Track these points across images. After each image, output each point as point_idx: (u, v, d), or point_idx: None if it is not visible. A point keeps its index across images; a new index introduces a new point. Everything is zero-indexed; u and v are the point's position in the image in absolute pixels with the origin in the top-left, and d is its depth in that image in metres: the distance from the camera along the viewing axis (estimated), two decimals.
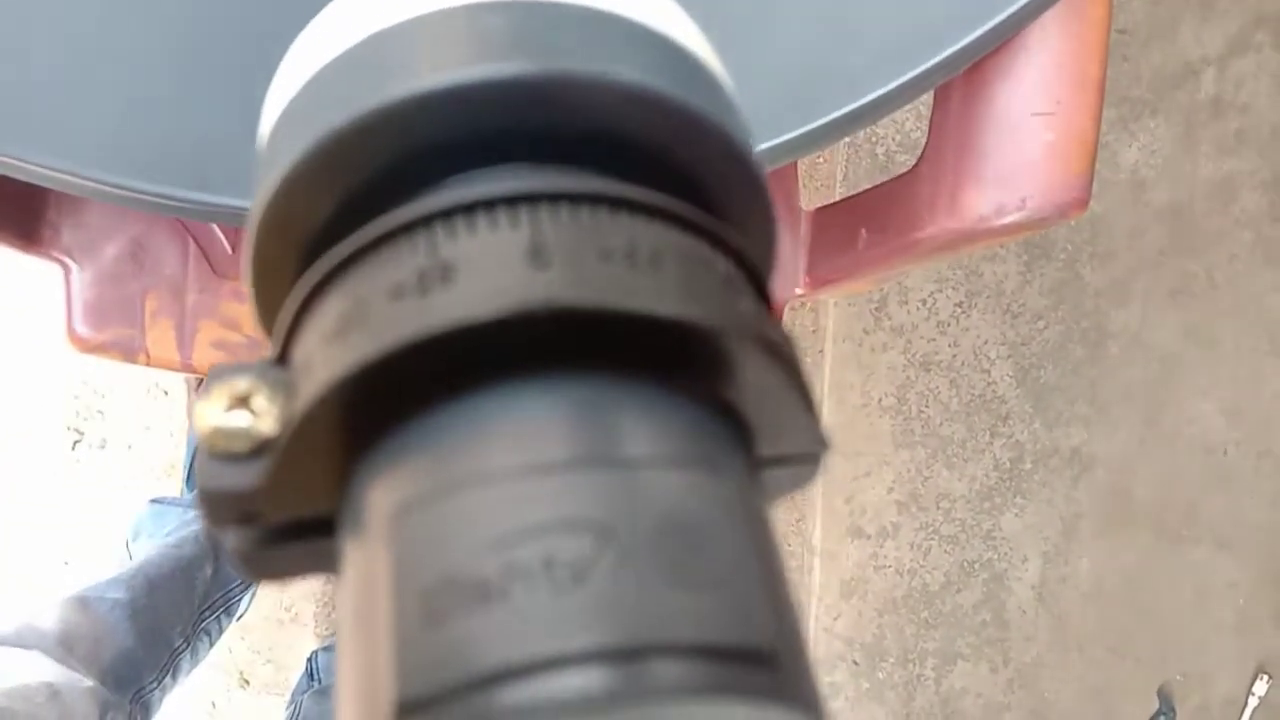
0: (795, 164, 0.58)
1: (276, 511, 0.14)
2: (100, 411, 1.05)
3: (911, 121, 1.10)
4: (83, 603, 0.73)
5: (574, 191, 0.14)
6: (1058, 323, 1.18)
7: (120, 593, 0.75)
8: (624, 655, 0.11)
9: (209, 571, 0.83)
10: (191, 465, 1.01)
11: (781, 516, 1.16)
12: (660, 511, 0.12)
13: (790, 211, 0.58)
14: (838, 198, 0.57)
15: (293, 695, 0.99)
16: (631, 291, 0.13)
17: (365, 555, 0.13)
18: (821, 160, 1.10)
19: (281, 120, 0.16)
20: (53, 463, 1.05)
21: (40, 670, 0.65)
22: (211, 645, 0.84)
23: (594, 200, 0.14)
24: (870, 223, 0.52)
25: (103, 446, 1.06)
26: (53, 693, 0.62)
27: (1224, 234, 1.19)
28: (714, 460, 0.13)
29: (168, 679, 0.76)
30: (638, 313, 0.13)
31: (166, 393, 1.06)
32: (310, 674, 1.00)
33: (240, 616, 0.92)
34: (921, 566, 1.18)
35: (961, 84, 0.43)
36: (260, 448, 0.13)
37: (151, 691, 0.73)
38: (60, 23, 0.38)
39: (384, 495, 0.13)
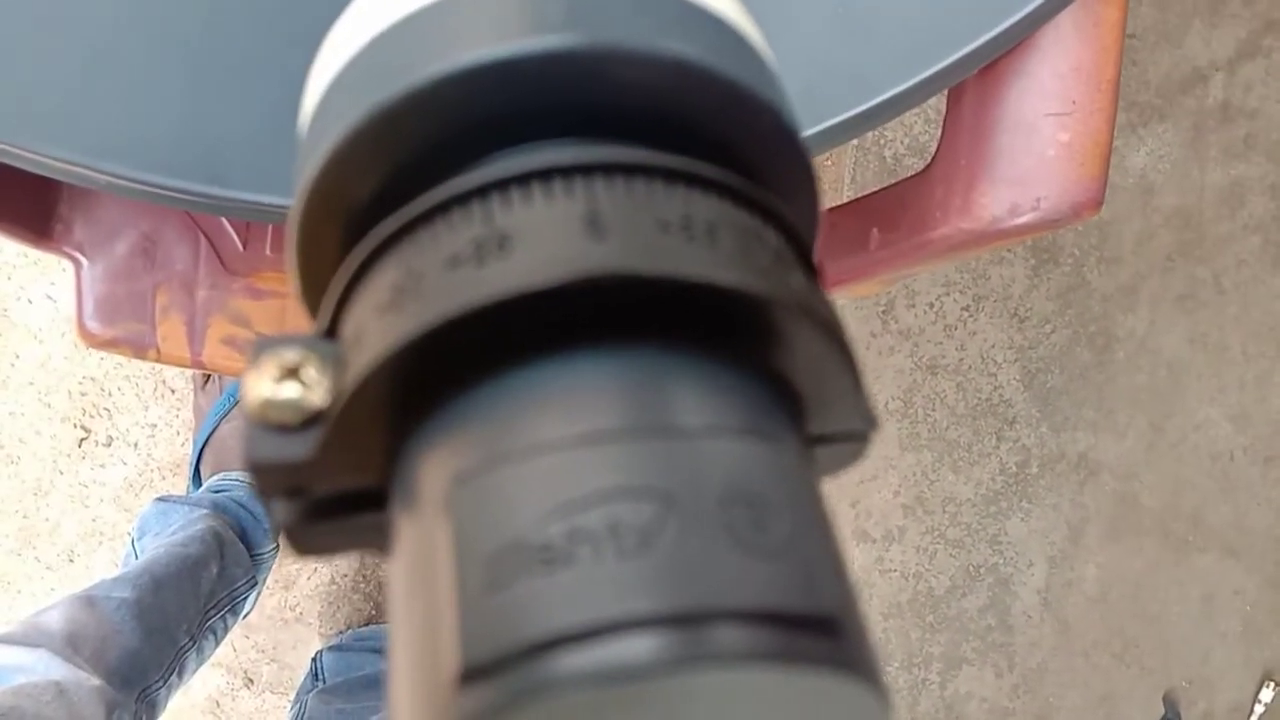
0: None
1: (325, 484, 0.14)
2: (106, 409, 1.06)
3: (920, 124, 1.10)
4: (89, 602, 0.73)
5: (629, 163, 0.14)
6: (1065, 327, 1.18)
7: (126, 591, 0.75)
8: (689, 620, 0.11)
9: (215, 570, 0.83)
10: (198, 464, 1.02)
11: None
12: (722, 480, 0.12)
13: None
14: (845, 199, 0.57)
15: (297, 695, 1.00)
16: (690, 261, 0.13)
17: (423, 525, 0.13)
18: (829, 162, 1.11)
19: (329, 93, 0.16)
20: (59, 460, 1.06)
21: (47, 669, 0.65)
22: (217, 644, 0.84)
23: (649, 172, 0.14)
24: (881, 223, 0.52)
25: (109, 444, 1.06)
26: (59, 691, 0.62)
27: (1232, 239, 1.19)
28: (771, 431, 0.13)
29: (173, 678, 0.76)
30: (697, 281, 0.13)
31: (173, 391, 1.06)
32: (315, 674, 1.00)
33: (245, 615, 0.92)
34: (927, 570, 1.18)
35: (975, 84, 0.43)
36: (310, 419, 0.13)
37: (157, 690, 0.73)
38: (74, 15, 0.38)
39: (441, 465, 0.13)
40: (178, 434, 1.06)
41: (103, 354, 1.06)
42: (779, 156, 0.16)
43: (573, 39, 0.14)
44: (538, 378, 0.13)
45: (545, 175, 0.14)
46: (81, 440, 1.06)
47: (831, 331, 0.14)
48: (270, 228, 0.59)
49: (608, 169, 0.14)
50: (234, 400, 1.01)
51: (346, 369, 0.14)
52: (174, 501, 0.94)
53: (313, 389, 0.13)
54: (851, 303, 1.14)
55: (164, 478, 1.06)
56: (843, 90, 0.39)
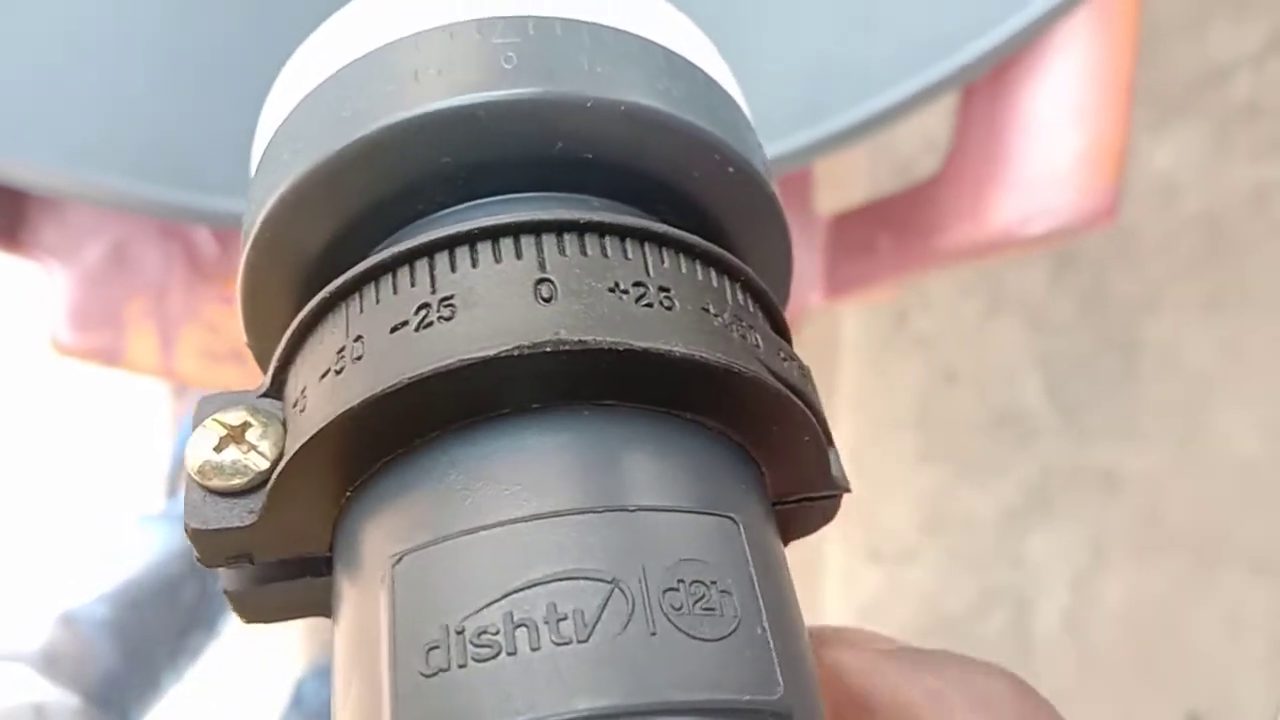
0: (811, 168, 0.58)
1: (269, 550, 0.14)
2: (83, 424, 1.06)
3: (935, 123, 1.10)
4: (67, 620, 0.73)
5: (581, 221, 0.14)
6: (1087, 334, 1.18)
7: (104, 611, 0.75)
8: (631, 716, 0.11)
9: (194, 589, 0.84)
10: (175, 475, 1.02)
11: (797, 543, 1.16)
12: (670, 563, 0.12)
13: (807, 217, 0.58)
14: (858, 201, 0.57)
15: None
16: (641, 328, 0.13)
17: (362, 599, 0.13)
18: (841, 163, 1.10)
19: (276, 138, 0.16)
20: (33, 475, 1.06)
21: (26, 688, 0.65)
22: (195, 663, 0.85)
23: (601, 230, 0.14)
24: (891, 229, 0.52)
25: (85, 460, 1.06)
26: (38, 712, 0.63)
27: (1260, 242, 1.19)
28: (727, 505, 0.13)
29: (151, 698, 0.77)
30: (647, 349, 0.13)
31: (150, 406, 1.06)
32: (296, 700, 1.00)
33: (223, 635, 0.92)
34: (944, 591, 1.17)
35: (987, 87, 0.42)
36: (253, 485, 0.14)
37: (134, 711, 0.74)
38: (43, 21, 0.38)
39: (382, 538, 0.13)
40: (155, 448, 1.06)
41: (76, 368, 1.07)
42: (746, 207, 0.16)
43: (524, 89, 0.14)
44: (481, 449, 0.13)
45: (493, 235, 0.14)
46: (57, 457, 1.06)
47: (794, 392, 0.14)
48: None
49: (559, 228, 0.14)
50: None
51: (290, 433, 0.14)
52: (152, 519, 0.94)
53: (255, 453, 0.14)
54: (863, 309, 1.14)
55: (142, 493, 1.06)
56: (848, 92, 0.39)
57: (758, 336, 0.14)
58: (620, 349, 0.13)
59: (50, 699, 0.64)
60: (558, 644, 0.11)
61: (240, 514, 0.14)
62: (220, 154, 0.38)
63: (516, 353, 0.13)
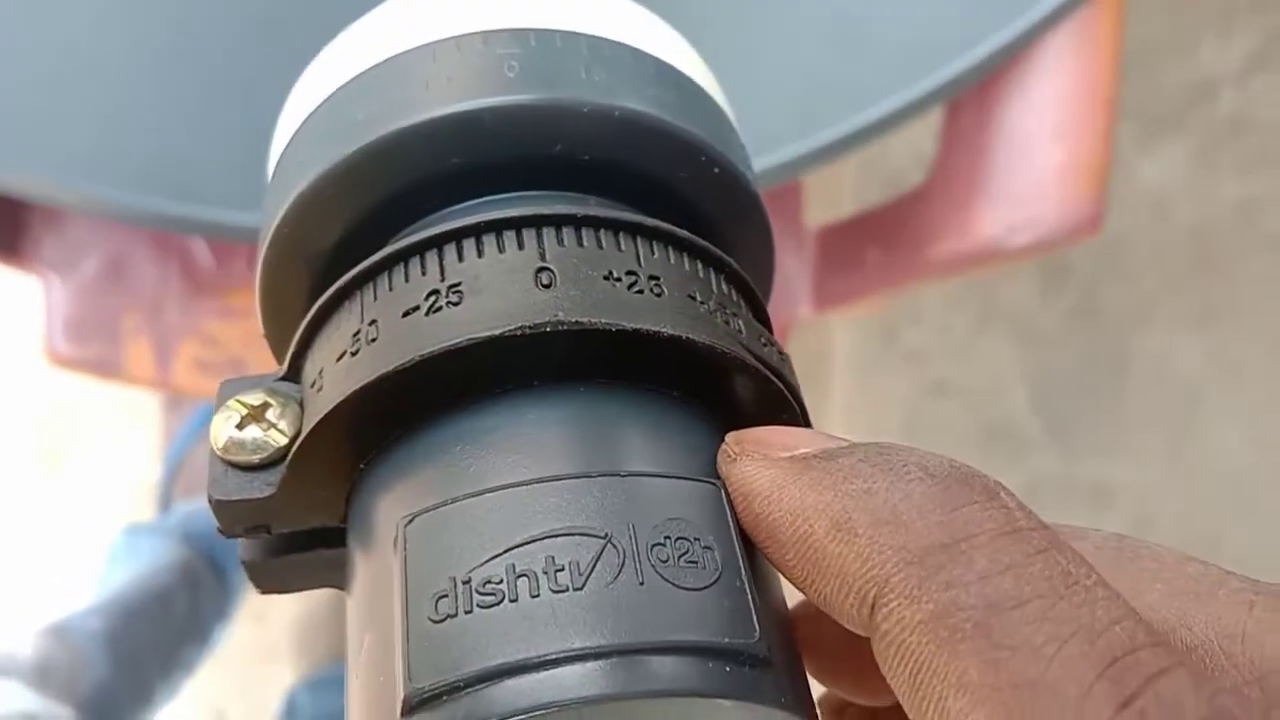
0: (800, 181, 0.59)
1: (286, 522, 0.16)
2: (73, 435, 1.06)
3: (923, 138, 1.11)
4: (59, 632, 0.73)
5: (578, 215, 0.15)
6: (1076, 347, 1.19)
7: (97, 622, 0.76)
8: (620, 654, 0.12)
9: (185, 601, 0.84)
10: (167, 489, 1.02)
11: None
12: (657, 521, 0.13)
13: (795, 230, 0.59)
14: (847, 214, 0.58)
15: None
16: (632, 312, 0.14)
17: (376, 562, 0.14)
18: (831, 176, 1.11)
19: (294, 142, 0.17)
20: (26, 487, 1.06)
21: (19, 700, 0.65)
22: (188, 675, 0.85)
23: (597, 224, 0.15)
24: (879, 241, 0.53)
25: (76, 471, 1.06)
26: None
27: (1247, 255, 1.20)
28: (711, 473, 0.15)
29: (144, 709, 0.77)
30: (638, 330, 0.14)
31: (142, 417, 1.06)
32: (289, 711, 1.00)
33: (216, 646, 0.93)
34: None
35: (973, 101, 0.44)
36: (272, 459, 0.15)
37: None
38: (43, 33, 0.39)
39: (394, 505, 0.14)
40: (147, 460, 1.06)
41: (67, 380, 1.07)
42: (731, 206, 0.17)
43: (526, 95, 0.16)
44: (486, 422, 0.14)
45: (498, 228, 0.15)
46: (48, 467, 1.06)
47: (774, 373, 0.15)
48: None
49: (558, 222, 0.15)
50: (204, 423, 1.02)
51: (307, 411, 0.15)
52: (144, 531, 0.95)
53: (274, 430, 0.15)
54: (853, 322, 1.15)
55: (133, 505, 1.06)
56: (836, 106, 0.40)
57: (740, 323, 0.16)
58: (614, 329, 0.14)
59: (43, 710, 0.65)
60: (555, 591, 0.12)
61: (260, 486, 0.15)
62: (219, 167, 0.39)
63: (519, 333, 0.14)
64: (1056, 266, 1.18)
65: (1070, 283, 1.18)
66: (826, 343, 1.17)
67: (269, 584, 0.17)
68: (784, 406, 0.16)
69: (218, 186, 0.39)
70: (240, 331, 0.59)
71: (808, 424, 0.16)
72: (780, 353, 0.16)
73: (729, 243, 0.17)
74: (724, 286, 0.16)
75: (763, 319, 0.17)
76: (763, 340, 0.16)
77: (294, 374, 0.16)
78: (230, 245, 0.59)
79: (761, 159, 0.40)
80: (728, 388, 0.15)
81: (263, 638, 1.08)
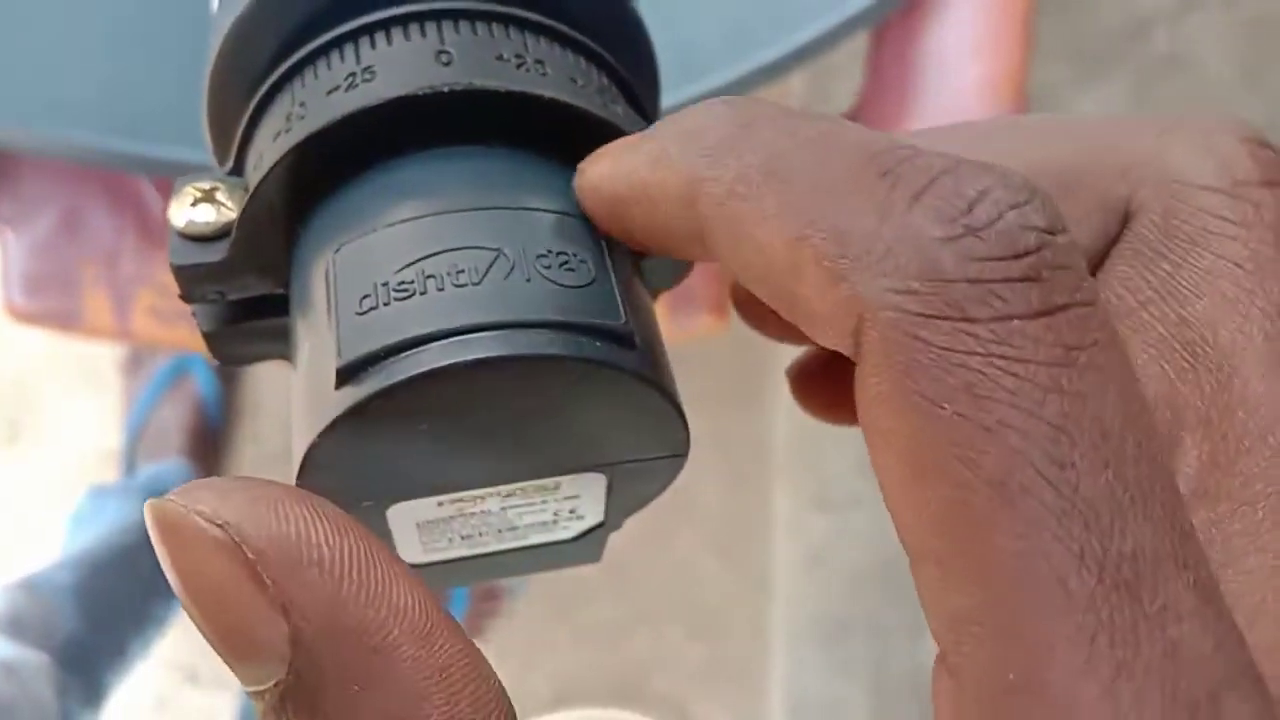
0: None
1: (238, 287, 0.18)
2: (34, 402, 1.06)
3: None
4: (29, 587, 0.75)
5: (473, 10, 0.18)
6: None
7: (65, 576, 0.77)
8: (511, 327, 0.15)
9: (153, 558, 0.85)
10: (130, 453, 1.03)
11: (744, 490, 1.19)
12: (542, 239, 0.16)
13: None
14: None
15: (242, 691, 1.01)
16: (517, 81, 0.17)
17: (312, 294, 0.17)
18: None
19: None
20: None
21: None
22: (160, 631, 0.86)
23: (489, 18, 0.18)
24: None
25: (39, 438, 1.07)
26: (9, 671, 0.64)
27: None
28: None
29: (118, 663, 0.78)
30: (522, 93, 0.17)
31: (102, 381, 1.07)
32: None
33: None
34: (890, 535, 1.21)
35: (898, 23, 0.45)
36: (223, 231, 0.18)
37: (103, 674, 0.75)
38: None
39: (325, 247, 0.17)
40: (107, 425, 1.07)
41: (26, 349, 1.07)
42: (614, 21, 0.20)
43: None
44: (398, 175, 0.17)
45: (404, 21, 0.18)
46: (10, 436, 1.07)
47: None
48: None
49: (455, 15, 0.18)
50: (165, 386, 1.02)
51: (250, 186, 0.18)
52: (108, 491, 0.95)
53: (224, 209, 0.18)
54: None
55: (95, 469, 1.07)
56: (765, 31, 0.42)
57: (619, 109, 0.18)
58: (501, 91, 0.17)
59: (18, 657, 0.66)
60: (457, 286, 0.15)
61: (214, 253, 0.18)
62: (169, 106, 0.40)
63: (420, 92, 0.17)
64: None
65: None
66: None
67: (226, 353, 0.19)
68: None
69: (170, 124, 0.40)
70: None
71: None
72: None
73: (619, 57, 0.20)
74: (604, 80, 0.19)
75: (645, 117, 0.20)
76: (639, 125, 0.18)
77: (239, 169, 0.19)
78: None
79: (700, 82, 0.41)
80: None
81: None
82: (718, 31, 0.42)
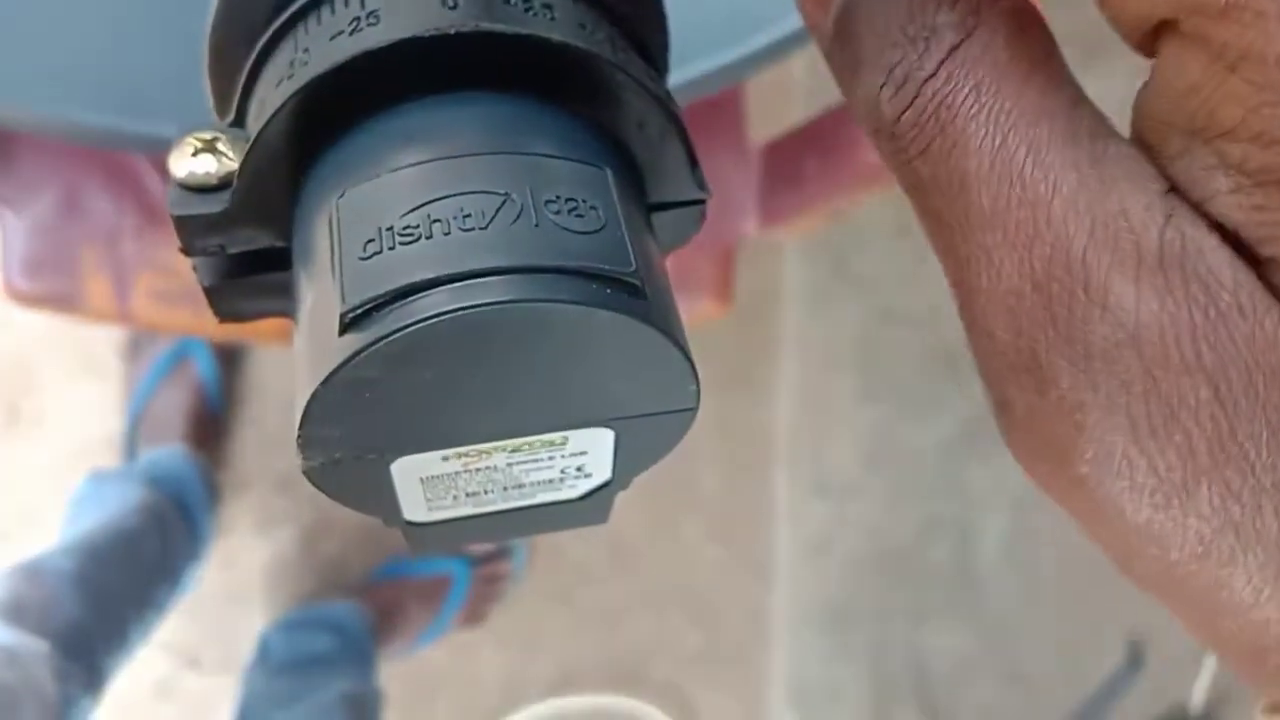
0: (742, 99, 0.61)
1: (239, 239, 0.18)
2: (35, 387, 1.06)
3: None
4: (29, 572, 0.74)
5: None
6: None
7: (66, 562, 0.77)
8: (517, 272, 0.15)
9: (155, 542, 0.85)
10: (132, 439, 1.02)
11: (745, 477, 1.19)
12: (551, 185, 0.16)
13: (739, 146, 0.61)
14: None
15: (244, 675, 1.01)
16: (526, 24, 0.17)
17: (315, 239, 0.16)
18: (778, 98, 1.13)
19: None
20: None
21: None
22: (160, 617, 0.86)
23: None
24: (817, 151, 0.55)
25: (39, 423, 1.07)
26: (9, 657, 0.64)
27: None
28: (601, 162, 0.17)
29: (118, 648, 0.78)
30: (530, 37, 0.17)
31: (103, 367, 1.06)
32: (261, 653, 1.01)
33: (186, 589, 0.94)
34: (888, 523, 1.21)
35: None
36: (224, 183, 0.17)
37: (103, 660, 0.75)
38: None
39: (327, 192, 0.16)
40: (108, 410, 1.07)
41: (26, 331, 1.07)
42: None
43: None
44: (404, 120, 0.17)
45: None
46: (11, 420, 1.06)
47: (660, 101, 0.17)
48: None
49: None
50: (165, 371, 1.02)
51: (252, 135, 0.17)
52: (109, 476, 0.95)
53: (225, 159, 0.17)
54: (802, 252, 1.17)
55: (96, 455, 1.06)
56: (766, 12, 0.42)
57: (625, 57, 0.18)
58: (509, 34, 0.16)
59: (18, 643, 0.66)
60: (464, 230, 0.15)
61: (215, 203, 0.17)
62: (168, 83, 0.40)
63: (427, 35, 0.16)
64: None
65: None
66: (778, 274, 1.19)
67: (227, 308, 0.19)
68: (669, 133, 0.18)
69: (169, 101, 0.40)
70: None
71: (695, 159, 0.18)
72: (668, 93, 0.18)
73: (627, 15, 0.19)
74: (611, 29, 0.18)
75: (656, 70, 0.19)
76: (649, 75, 0.18)
77: (240, 120, 0.18)
78: None
79: (703, 61, 0.41)
80: (618, 101, 0.17)
81: (232, 582, 1.10)
82: (718, 13, 0.42)
